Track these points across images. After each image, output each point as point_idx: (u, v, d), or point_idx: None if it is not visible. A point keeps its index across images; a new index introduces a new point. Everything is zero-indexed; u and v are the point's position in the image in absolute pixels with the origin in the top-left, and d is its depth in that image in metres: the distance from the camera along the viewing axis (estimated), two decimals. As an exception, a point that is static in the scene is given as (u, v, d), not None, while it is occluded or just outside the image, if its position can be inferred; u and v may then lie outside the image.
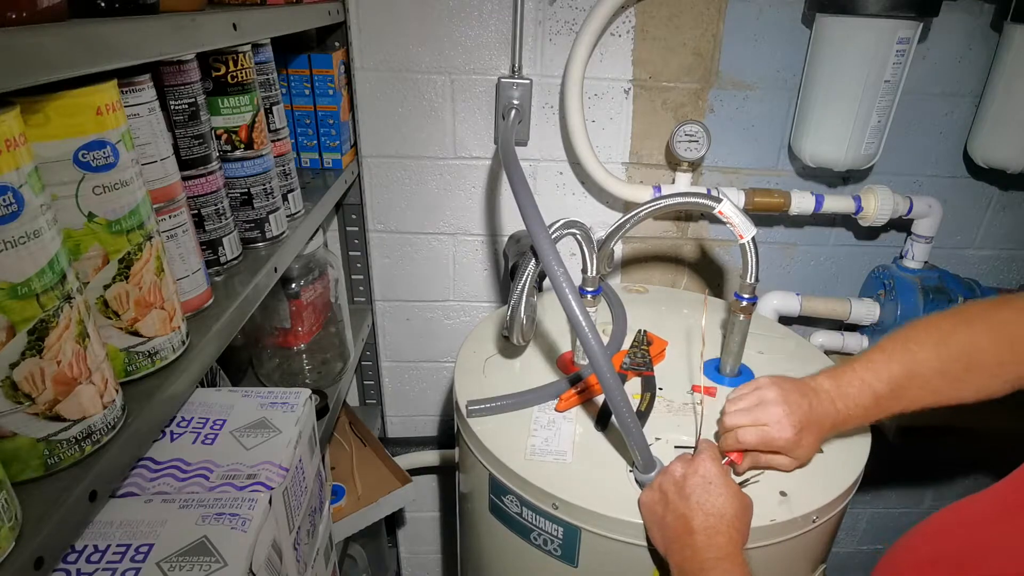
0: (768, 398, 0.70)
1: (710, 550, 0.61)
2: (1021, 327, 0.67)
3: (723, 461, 0.70)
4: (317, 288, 1.08)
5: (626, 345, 0.96)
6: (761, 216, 1.31)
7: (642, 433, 0.68)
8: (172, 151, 0.63)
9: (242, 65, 0.75)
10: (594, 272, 0.87)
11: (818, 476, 0.76)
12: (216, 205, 0.72)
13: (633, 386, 0.90)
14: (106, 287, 0.53)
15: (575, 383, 0.87)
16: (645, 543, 0.70)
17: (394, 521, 1.65)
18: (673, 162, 1.26)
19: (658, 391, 0.89)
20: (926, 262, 1.29)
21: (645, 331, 0.98)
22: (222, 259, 0.74)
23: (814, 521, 0.72)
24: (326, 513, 0.86)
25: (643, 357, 0.92)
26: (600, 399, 0.86)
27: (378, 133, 1.22)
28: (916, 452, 1.61)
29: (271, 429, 0.71)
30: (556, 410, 0.84)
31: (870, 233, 1.36)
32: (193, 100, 0.67)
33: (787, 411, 0.69)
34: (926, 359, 0.69)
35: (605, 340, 0.95)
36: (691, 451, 0.78)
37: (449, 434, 1.53)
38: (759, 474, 0.75)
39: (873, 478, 1.64)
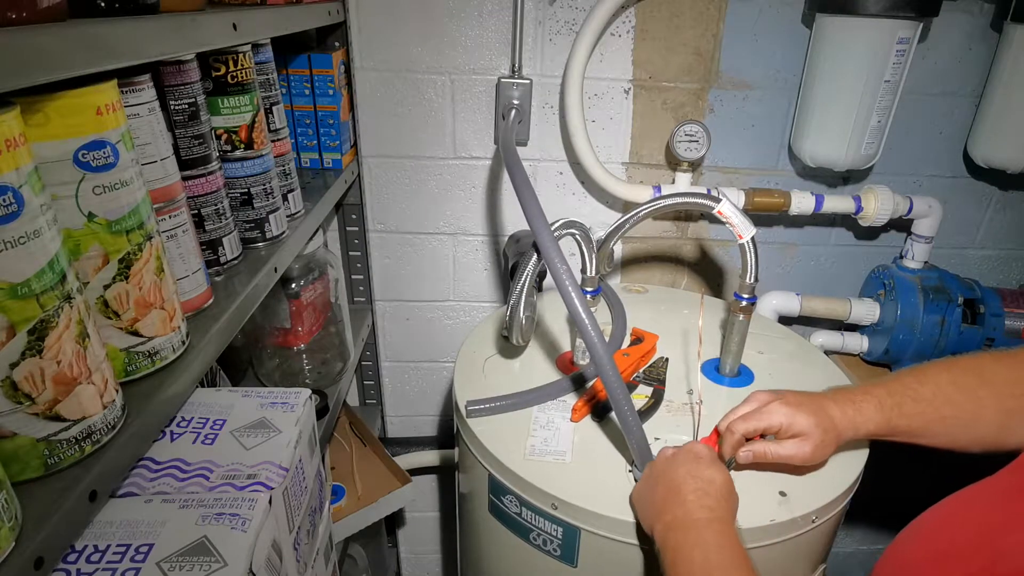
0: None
1: (701, 511, 0.60)
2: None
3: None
4: (317, 288, 1.08)
5: (626, 344, 0.96)
6: (761, 216, 1.31)
7: (642, 429, 0.68)
8: (172, 151, 0.63)
9: (242, 65, 0.75)
10: (593, 272, 0.87)
11: (818, 476, 0.76)
12: (216, 205, 0.72)
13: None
14: (106, 287, 0.53)
15: (576, 383, 0.87)
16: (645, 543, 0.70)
17: (394, 521, 1.65)
18: (673, 162, 1.26)
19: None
20: (926, 262, 1.29)
21: (667, 358, 0.97)
22: (222, 259, 0.74)
23: (814, 521, 0.72)
24: (326, 513, 0.86)
25: (658, 375, 0.92)
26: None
27: (378, 133, 1.22)
28: (917, 451, 1.61)
29: (271, 429, 0.71)
30: (572, 421, 0.83)
31: (870, 233, 1.36)
32: (193, 100, 0.67)
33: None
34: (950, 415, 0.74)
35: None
36: None
37: (449, 434, 1.53)
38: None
39: (874, 478, 1.66)
